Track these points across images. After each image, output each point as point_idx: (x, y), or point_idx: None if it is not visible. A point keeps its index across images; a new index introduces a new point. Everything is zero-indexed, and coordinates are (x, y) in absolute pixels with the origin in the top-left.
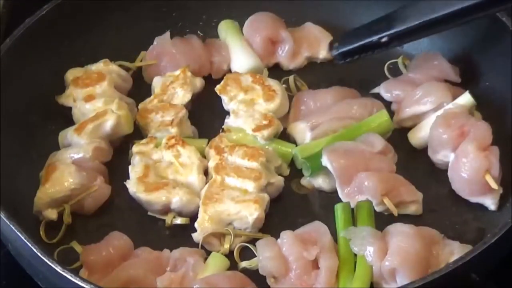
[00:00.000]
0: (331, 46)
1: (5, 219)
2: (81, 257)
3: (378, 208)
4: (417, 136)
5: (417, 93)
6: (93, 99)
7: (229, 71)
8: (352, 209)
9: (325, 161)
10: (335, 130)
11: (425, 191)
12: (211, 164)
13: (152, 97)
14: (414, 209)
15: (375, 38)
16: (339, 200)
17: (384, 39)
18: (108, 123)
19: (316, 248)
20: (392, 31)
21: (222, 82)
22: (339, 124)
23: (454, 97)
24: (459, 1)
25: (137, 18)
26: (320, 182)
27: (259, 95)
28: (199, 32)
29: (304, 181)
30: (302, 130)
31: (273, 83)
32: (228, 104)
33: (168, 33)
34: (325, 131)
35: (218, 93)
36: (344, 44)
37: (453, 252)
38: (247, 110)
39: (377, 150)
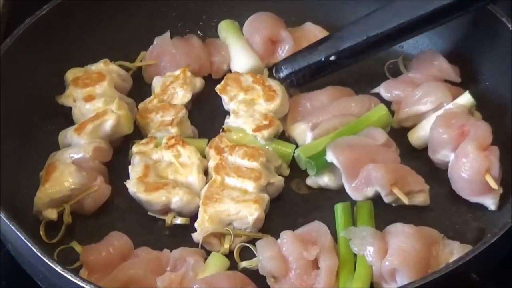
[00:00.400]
0: (276, 69)
1: (5, 219)
2: (81, 257)
3: (387, 199)
4: (417, 136)
5: (417, 93)
6: (93, 99)
7: (229, 71)
8: (352, 209)
9: (330, 156)
10: (335, 128)
11: None
12: (211, 164)
13: (152, 97)
14: (422, 199)
15: (322, 57)
16: (340, 200)
17: (332, 58)
18: (108, 123)
19: (316, 248)
20: (339, 50)
21: (222, 82)
22: (339, 122)
23: (454, 97)
24: (404, 15)
25: (137, 18)
26: (326, 180)
27: (259, 95)
28: (199, 32)
29: (309, 181)
30: (302, 131)
31: (273, 83)
32: (228, 104)
33: (168, 33)
34: (325, 129)
35: (219, 93)
36: (290, 65)
37: (453, 252)
38: (247, 110)
39: (380, 143)
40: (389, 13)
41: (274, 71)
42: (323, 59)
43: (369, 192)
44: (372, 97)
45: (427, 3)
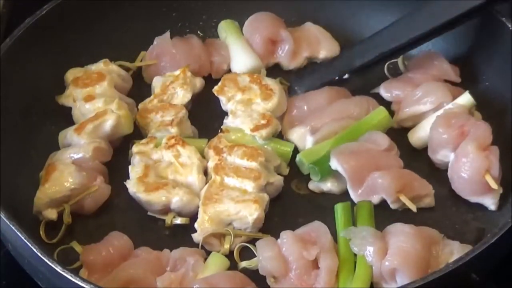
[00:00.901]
0: (289, 91)
1: (5, 219)
2: (81, 257)
3: (393, 206)
4: (417, 136)
5: (417, 93)
6: (93, 99)
7: (229, 71)
8: (352, 209)
9: (334, 164)
10: (336, 131)
11: None
12: (210, 164)
13: (152, 97)
14: (428, 202)
15: (336, 75)
16: (339, 200)
17: (345, 76)
18: (108, 123)
19: (316, 248)
20: (353, 68)
21: (219, 83)
22: (339, 125)
23: (454, 97)
24: (415, 30)
25: (137, 18)
26: (329, 185)
27: (256, 95)
28: (199, 32)
29: (312, 186)
30: (302, 135)
31: (270, 82)
32: (226, 104)
33: (168, 33)
34: (326, 134)
35: (216, 94)
36: (303, 86)
37: (453, 252)
38: (245, 110)
39: (383, 148)
40: (401, 28)
41: (288, 92)
42: (337, 78)
43: (375, 199)
44: (370, 98)
45: (437, 17)
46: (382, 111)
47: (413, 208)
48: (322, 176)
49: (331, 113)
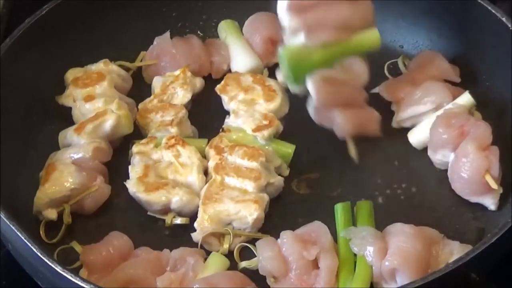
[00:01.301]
0: None
1: (5, 219)
2: (81, 257)
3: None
4: (417, 136)
5: (417, 93)
6: (93, 99)
7: (229, 71)
8: (352, 209)
9: (310, 87)
10: (329, 41)
11: (425, 191)
12: (211, 164)
13: (152, 97)
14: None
15: None
16: (339, 201)
17: None
18: (108, 123)
19: (316, 248)
20: None
21: (222, 82)
22: (334, 38)
23: (454, 97)
24: None
25: (137, 18)
26: (295, 86)
27: (259, 95)
28: (199, 32)
29: (279, 77)
30: (296, 27)
31: (273, 83)
32: (228, 104)
33: (168, 33)
34: (319, 43)
35: (219, 93)
36: None
37: (453, 252)
38: (247, 110)
39: (361, 83)
40: None
41: None
42: None
43: (328, 125)
44: (371, 4)
45: None
46: (374, 34)
47: (355, 158)
48: (295, 82)
49: (335, 16)
